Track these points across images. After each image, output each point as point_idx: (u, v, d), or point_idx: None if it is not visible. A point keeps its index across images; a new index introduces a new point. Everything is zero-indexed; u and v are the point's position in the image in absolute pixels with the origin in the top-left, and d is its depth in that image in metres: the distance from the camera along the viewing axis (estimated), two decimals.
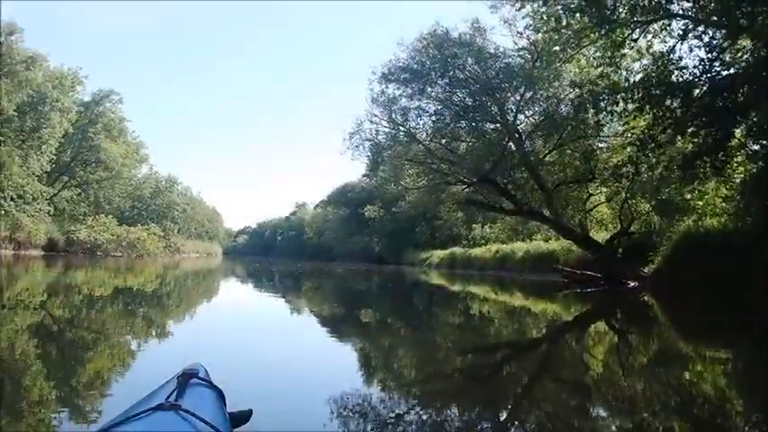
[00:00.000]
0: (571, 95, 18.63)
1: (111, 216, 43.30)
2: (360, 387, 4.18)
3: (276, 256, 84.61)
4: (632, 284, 17.25)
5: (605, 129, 17.37)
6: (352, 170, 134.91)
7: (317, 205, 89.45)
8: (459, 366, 5.63)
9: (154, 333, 6.67)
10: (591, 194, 21.23)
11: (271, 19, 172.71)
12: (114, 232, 41.08)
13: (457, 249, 38.44)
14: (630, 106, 15.13)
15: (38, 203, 35.09)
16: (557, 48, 17.87)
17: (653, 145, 14.82)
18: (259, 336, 6.90)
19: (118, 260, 32.24)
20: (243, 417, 2.50)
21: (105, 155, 43.78)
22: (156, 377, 2.57)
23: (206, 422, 1.88)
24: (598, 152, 19.73)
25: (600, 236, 20.94)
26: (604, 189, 20.84)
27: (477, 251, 34.48)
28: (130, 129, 50.21)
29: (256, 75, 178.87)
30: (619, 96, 14.85)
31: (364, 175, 64.75)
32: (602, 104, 15.36)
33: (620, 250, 19.73)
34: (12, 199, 33.15)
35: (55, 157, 39.51)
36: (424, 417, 3.51)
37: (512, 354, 6.57)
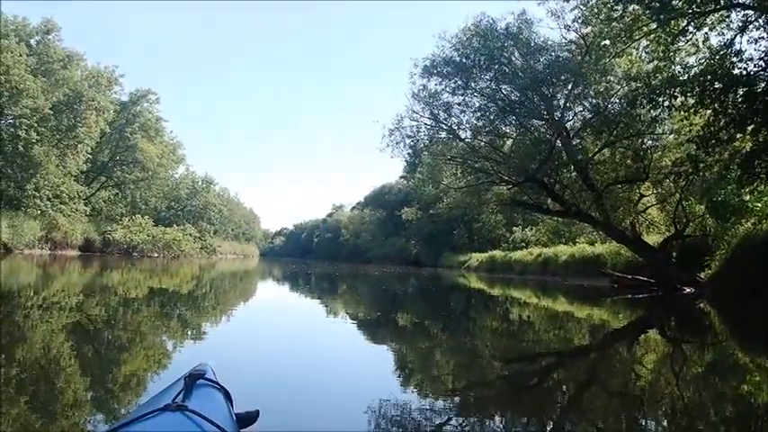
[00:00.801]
0: (624, 90, 17.65)
1: (147, 216, 43.41)
2: (392, 392, 3.96)
3: (312, 258, 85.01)
4: (688, 290, 16.22)
5: (659, 126, 16.27)
6: (390, 172, 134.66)
7: (353, 207, 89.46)
8: (498, 374, 5.36)
9: (180, 335, 6.50)
10: (642, 195, 20.14)
11: (308, 13, 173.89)
12: (150, 233, 41.15)
13: (497, 252, 37.65)
14: (690, 101, 14.15)
15: (74, 203, 35.36)
16: (607, 41, 17.01)
17: (713, 141, 13.81)
18: (291, 339, 6.72)
19: (153, 261, 32.30)
20: (250, 417, 2.47)
21: (142, 155, 43.84)
22: (173, 378, 2.55)
23: (213, 423, 1.88)
24: (651, 150, 18.61)
25: (651, 239, 19.85)
26: (657, 190, 19.77)
27: (517, 254, 33.63)
28: (168, 129, 50.50)
29: (295, 73, 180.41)
30: (677, 90, 13.88)
31: (402, 177, 64.51)
32: (660, 99, 14.40)
33: (674, 254, 18.64)
34: (48, 198, 33.50)
35: (92, 157, 39.91)
36: (446, 424, 3.32)
37: (556, 362, 6.12)
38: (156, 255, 39.97)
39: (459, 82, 19.56)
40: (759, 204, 16.27)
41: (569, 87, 19.05)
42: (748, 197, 16.24)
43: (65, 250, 34.04)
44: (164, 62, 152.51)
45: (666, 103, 14.45)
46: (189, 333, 6.70)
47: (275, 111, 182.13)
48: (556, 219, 29.07)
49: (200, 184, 62.66)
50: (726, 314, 12.23)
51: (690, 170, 15.28)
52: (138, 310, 8.89)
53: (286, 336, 7.04)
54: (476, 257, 40.68)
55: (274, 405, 3.22)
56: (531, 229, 38.06)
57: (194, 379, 2.28)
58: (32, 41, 35.04)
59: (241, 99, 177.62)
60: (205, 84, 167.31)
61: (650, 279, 17.61)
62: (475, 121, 20.62)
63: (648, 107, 14.97)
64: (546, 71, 18.91)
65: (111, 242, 38.84)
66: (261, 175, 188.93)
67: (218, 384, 2.42)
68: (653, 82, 14.87)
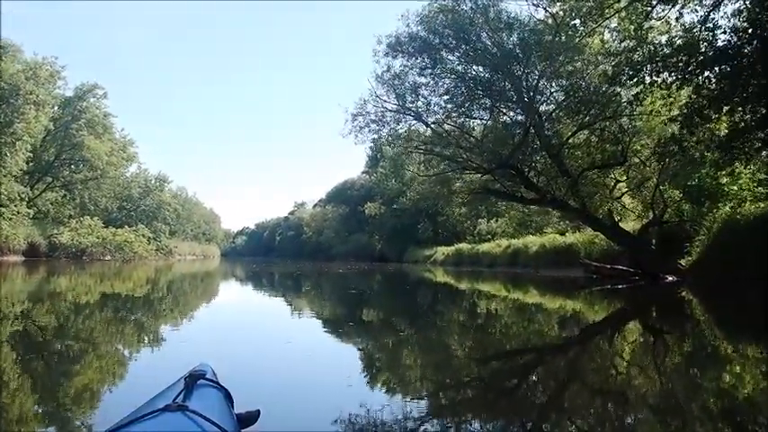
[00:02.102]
0: (601, 68, 16.85)
1: (96, 218, 41.02)
2: (364, 390, 4.03)
3: (275, 257, 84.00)
4: (670, 279, 15.60)
5: (637, 106, 15.48)
6: (353, 166, 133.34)
7: (315, 204, 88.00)
8: (467, 369, 5.21)
9: (150, 338, 6.27)
10: (618, 181, 19.46)
11: (268, 14, 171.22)
12: (100, 234, 38.85)
13: (464, 245, 36.99)
14: (672, 77, 13.42)
15: (15, 205, 32.80)
16: (576, 21, 16.29)
17: (697, 120, 13.12)
18: (261, 338, 6.64)
19: (105, 264, 30.39)
20: (251, 417, 2.46)
21: (89, 153, 40.92)
22: (162, 380, 2.52)
23: (213, 423, 1.88)
24: (630, 132, 17.86)
25: (628, 226, 19.23)
26: (633, 175, 19.11)
27: (485, 246, 32.96)
28: (117, 126, 47.73)
29: (251, 74, 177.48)
30: (660, 65, 13.14)
31: (364, 172, 63.41)
32: (642, 74, 13.64)
33: (653, 242, 18.04)
34: None
35: (35, 156, 37.32)
36: (432, 423, 3.32)
37: (534, 359, 5.81)
38: (107, 258, 37.86)
39: (427, 60, 18.33)
40: (734, 187, 15.83)
41: (541, 67, 18.03)
42: (725, 180, 15.78)
43: (7, 256, 31.67)
44: (117, 56, 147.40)
45: (648, 80, 13.68)
46: (153, 338, 6.34)
47: (236, 110, 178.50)
48: (522, 209, 28.39)
49: (153, 182, 59.56)
50: (708, 302, 11.73)
51: (674, 149, 14.62)
52: (96, 315, 8.44)
53: (263, 337, 6.81)
54: (441, 251, 39.99)
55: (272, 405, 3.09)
56: (497, 220, 37.48)
57: (195, 379, 2.27)
58: None
59: (202, 101, 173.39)
60: (168, 86, 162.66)
61: (630, 268, 16.97)
62: (444, 104, 19.45)
63: (631, 84, 14.18)
64: (517, 49, 17.94)
65: (58, 246, 36.50)
66: (221, 174, 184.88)
67: (219, 384, 2.42)
68: (635, 57, 14.12)
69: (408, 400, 3.78)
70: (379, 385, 4.26)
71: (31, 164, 36.33)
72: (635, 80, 13.85)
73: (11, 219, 31.84)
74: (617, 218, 19.24)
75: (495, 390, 4.30)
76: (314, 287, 17.23)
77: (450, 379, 4.60)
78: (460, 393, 4.21)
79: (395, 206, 38.73)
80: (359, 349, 6.07)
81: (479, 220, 40.32)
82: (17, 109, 31.27)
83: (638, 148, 18.17)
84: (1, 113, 30.85)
